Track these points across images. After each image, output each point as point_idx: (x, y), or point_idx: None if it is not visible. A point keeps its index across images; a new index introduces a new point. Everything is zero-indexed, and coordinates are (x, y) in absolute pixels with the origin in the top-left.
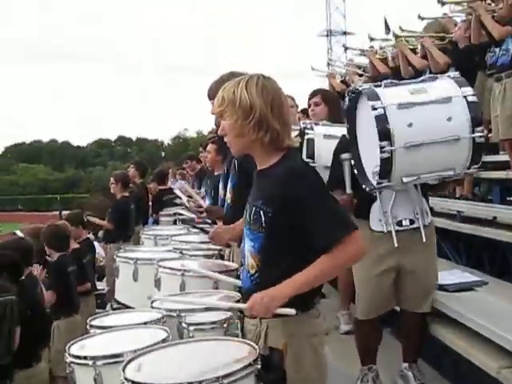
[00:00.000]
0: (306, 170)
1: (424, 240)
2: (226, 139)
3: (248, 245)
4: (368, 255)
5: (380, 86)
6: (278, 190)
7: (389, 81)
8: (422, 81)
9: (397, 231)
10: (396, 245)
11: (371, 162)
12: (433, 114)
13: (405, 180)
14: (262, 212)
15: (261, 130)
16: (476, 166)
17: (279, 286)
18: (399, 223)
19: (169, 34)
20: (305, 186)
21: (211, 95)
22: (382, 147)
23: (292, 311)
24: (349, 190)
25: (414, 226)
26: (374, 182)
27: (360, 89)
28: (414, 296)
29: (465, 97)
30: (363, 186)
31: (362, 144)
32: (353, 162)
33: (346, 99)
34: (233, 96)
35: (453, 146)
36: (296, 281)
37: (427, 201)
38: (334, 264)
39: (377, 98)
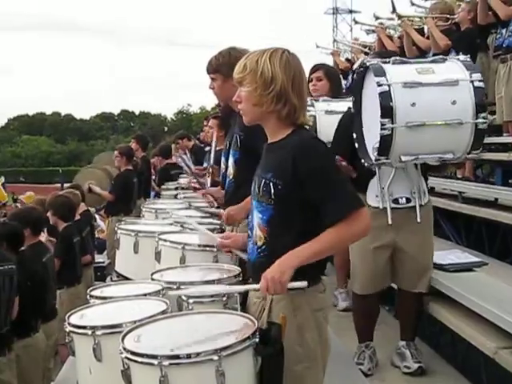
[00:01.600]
0: (317, 143)
1: (419, 220)
2: (240, 106)
3: (256, 217)
4: None
5: (388, 62)
6: (289, 163)
7: (397, 58)
8: (432, 61)
9: (392, 209)
10: (390, 222)
11: (372, 138)
12: (438, 96)
13: (403, 158)
14: (271, 184)
15: (279, 102)
16: (476, 152)
17: (285, 258)
18: (395, 201)
19: (173, 7)
20: (315, 159)
21: (210, 69)
22: (382, 124)
23: (304, 283)
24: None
25: (410, 204)
26: (373, 158)
27: (368, 64)
28: (410, 275)
29: (472, 82)
30: (362, 161)
31: (366, 119)
32: (355, 135)
33: (350, 77)
34: (255, 65)
35: (455, 130)
36: (302, 251)
37: (426, 181)
38: (340, 238)
39: (383, 74)
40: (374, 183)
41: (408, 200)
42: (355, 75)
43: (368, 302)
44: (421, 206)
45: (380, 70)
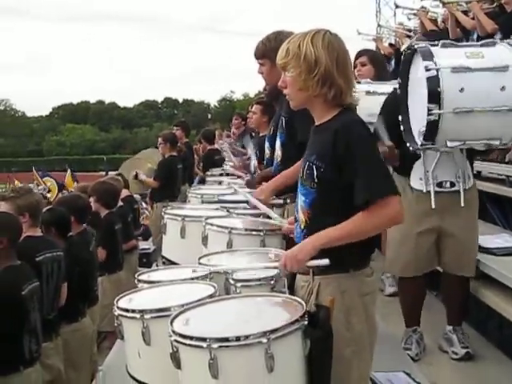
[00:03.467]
0: (357, 123)
1: (462, 204)
2: (285, 91)
3: (300, 200)
4: (408, 213)
5: (437, 45)
6: (330, 144)
7: (446, 41)
8: (482, 45)
9: (436, 192)
10: (433, 206)
11: (419, 122)
12: (486, 82)
13: (449, 144)
14: (314, 167)
15: (324, 85)
16: None
17: (309, 238)
18: (439, 184)
19: None
20: (353, 138)
21: (258, 54)
22: (430, 109)
23: (325, 261)
24: (388, 142)
25: (454, 188)
26: (419, 143)
27: (416, 46)
28: (455, 259)
29: None
30: (407, 144)
31: (412, 102)
32: (400, 118)
33: (393, 62)
34: (298, 49)
35: (503, 116)
36: (328, 234)
37: (471, 165)
38: (370, 222)
39: (431, 58)
40: (418, 166)
41: (452, 184)
42: (402, 57)
43: (413, 286)
44: (465, 190)
45: (428, 54)
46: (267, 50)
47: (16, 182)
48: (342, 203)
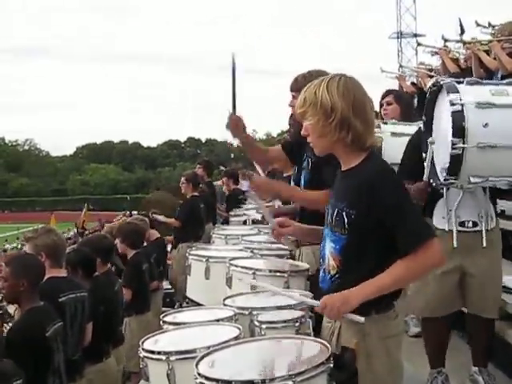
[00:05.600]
0: (389, 172)
1: (484, 245)
2: (308, 139)
3: (329, 246)
4: None
5: (462, 82)
6: (362, 193)
7: (472, 78)
8: (507, 83)
9: (458, 231)
10: (455, 245)
11: (442, 158)
12: (510, 118)
13: (472, 180)
14: (344, 214)
15: (342, 130)
16: None
17: (353, 290)
18: (462, 224)
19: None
20: (389, 188)
21: (295, 87)
22: (453, 143)
23: (361, 319)
24: (426, 178)
25: (477, 228)
26: (442, 178)
27: (442, 82)
28: (479, 300)
29: None
30: (430, 181)
31: (436, 139)
32: (424, 155)
33: (415, 100)
34: (314, 97)
35: None
36: (371, 286)
37: (495, 205)
38: (411, 270)
39: (457, 93)
40: (441, 205)
41: (475, 224)
42: (428, 94)
43: (437, 326)
44: (487, 230)
45: (454, 89)
46: (306, 84)
47: (52, 220)
48: (375, 249)
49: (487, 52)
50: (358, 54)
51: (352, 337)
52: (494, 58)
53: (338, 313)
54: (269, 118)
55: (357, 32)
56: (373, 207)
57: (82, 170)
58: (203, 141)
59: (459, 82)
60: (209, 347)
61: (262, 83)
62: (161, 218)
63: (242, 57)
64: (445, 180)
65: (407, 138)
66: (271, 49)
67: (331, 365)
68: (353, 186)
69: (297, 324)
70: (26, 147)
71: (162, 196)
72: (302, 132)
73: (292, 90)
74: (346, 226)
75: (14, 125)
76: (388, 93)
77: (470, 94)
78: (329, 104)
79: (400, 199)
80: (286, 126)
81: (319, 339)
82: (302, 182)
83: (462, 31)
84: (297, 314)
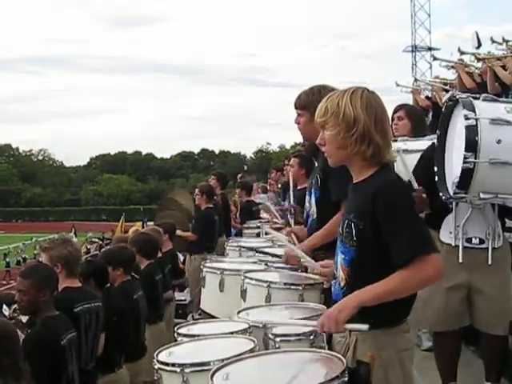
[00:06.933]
0: (397, 183)
1: (490, 262)
2: (324, 149)
3: (340, 257)
4: None
5: (478, 98)
6: (369, 204)
7: (488, 95)
8: None
9: (465, 248)
10: (461, 260)
11: (454, 173)
12: None
13: (482, 196)
14: (353, 225)
15: (363, 143)
16: None
17: (347, 298)
18: (468, 240)
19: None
20: (392, 199)
21: (298, 105)
22: (465, 157)
23: (365, 326)
24: (415, 186)
25: (483, 246)
26: (451, 192)
27: (457, 97)
28: (487, 317)
29: None
30: (440, 194)
31: (449, 153)
32: (436, 168)
33: (430, 114)
34: (337, 108)
35: None
36: (365, 293)
37: (503, 224)
38: (406, 282)
39: (472, 108)
40: (449, 220)
41: (482, 241)
42: (443, 108)
43: (448, 340)
44: (494, 248)
45: (469, 104)
46: (309, 102)
47: (73, 230)
48: (381, 262)
49: (503, 67)
50: (372, 67)
51: (367, 350)
52: (510, 73)
53: (336, 322)
54: (283, 131)
55: (371, 46)
56: (379, 218)
57: (95, 181)
58: (216, 152)
59: (475, 98)
60: (223, 360)
61: (277, 96)
62: (178, 232)
63: (256, 71)
64: (454, 194)
65: (418, 155)
66: (289, 64)
67: (346, 378)
68: (361, 197)
69: (311, 337)
70: (40, 157)
71: (170, 215)
72: (318, 141)
73: (296, 108)
74: (354, 237)
75: (28, 135)
76: (399, 108)
77: (486, 110)
78: (352, 116)
79: (398, 211)
80: (299, 138)
81: (334, 352)
82: (313, 198)
83: (479, 44)
84: (311, 327)
